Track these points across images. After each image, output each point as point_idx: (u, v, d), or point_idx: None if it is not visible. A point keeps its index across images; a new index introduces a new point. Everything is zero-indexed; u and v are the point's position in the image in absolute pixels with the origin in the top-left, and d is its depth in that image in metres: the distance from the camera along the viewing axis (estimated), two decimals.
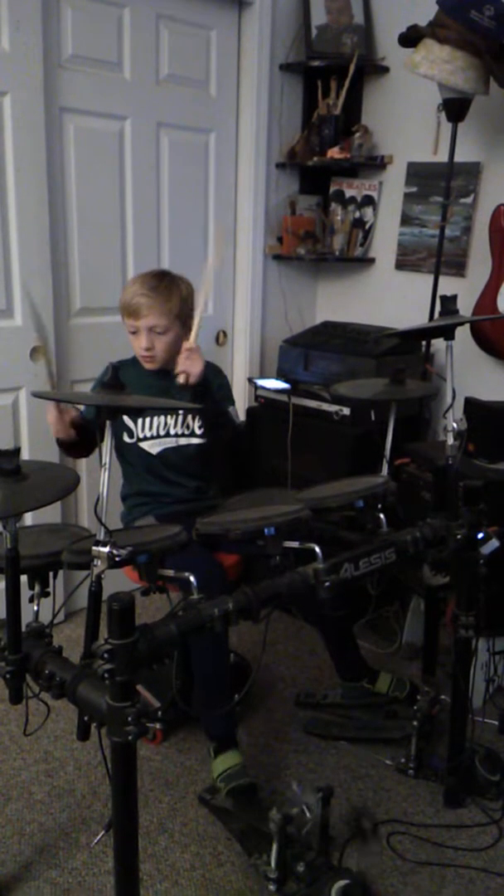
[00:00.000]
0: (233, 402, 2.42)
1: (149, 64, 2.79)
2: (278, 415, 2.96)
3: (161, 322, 2.20)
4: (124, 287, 2.28)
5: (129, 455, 2.33)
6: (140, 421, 2.29)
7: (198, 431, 2.32)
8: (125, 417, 2.28)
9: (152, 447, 2.31)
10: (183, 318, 2.26)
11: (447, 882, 1.83)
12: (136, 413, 2.28)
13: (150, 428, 2.30)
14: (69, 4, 2.52)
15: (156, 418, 2.30)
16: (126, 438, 2.30)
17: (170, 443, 2.30)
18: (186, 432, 2.32)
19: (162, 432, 2.30)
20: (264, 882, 1.70)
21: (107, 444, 1.34)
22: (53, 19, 2.49)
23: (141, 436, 2.30)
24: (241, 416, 3.04)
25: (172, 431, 2.31)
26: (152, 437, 2.30)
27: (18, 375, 2.60)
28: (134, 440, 2.30)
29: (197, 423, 2.32)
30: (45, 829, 1.96)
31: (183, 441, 2.30)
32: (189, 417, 2.32)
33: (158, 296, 2.19)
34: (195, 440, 2.32)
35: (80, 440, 2.22)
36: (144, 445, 2.30)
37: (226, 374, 2.49)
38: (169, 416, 2.30)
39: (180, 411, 2.32)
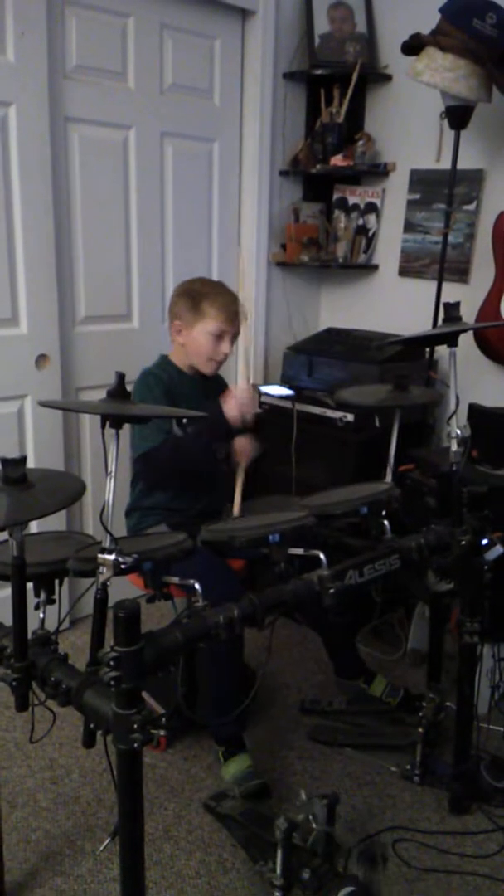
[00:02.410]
0: None
1: (153, 73, 2.80)
2: (282, 421, 2.96)
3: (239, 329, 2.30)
4: (204, 293, 2.28)
5: None
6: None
7: None
8: (176, 427, 2.27)
9: None
10: None
11: (453, 889, 1.83)
12: (188, 421, 2.29)
13: None
14: (74, 14, 2.54)
15: None
16: None
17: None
18: None
19: None
20: (270, 889, 1.69)
21: (112, 453, 1.35)
22: (58, 29, 2.50)
23: None
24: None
25: None
26: None
27: (24, 383, 2.61)
28: None
29: None
30: (50, 836, 1.97)
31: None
32: None
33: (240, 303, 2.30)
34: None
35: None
36: None
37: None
38: None
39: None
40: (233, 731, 2.13)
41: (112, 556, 1.32)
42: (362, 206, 3.32)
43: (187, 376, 2.34)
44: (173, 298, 2.34)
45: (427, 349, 3.01)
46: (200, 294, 2.28)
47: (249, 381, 2.27)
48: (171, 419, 2.22)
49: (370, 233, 3.31)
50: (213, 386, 2.43)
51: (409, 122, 3.13)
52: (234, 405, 2.18)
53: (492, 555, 1.89)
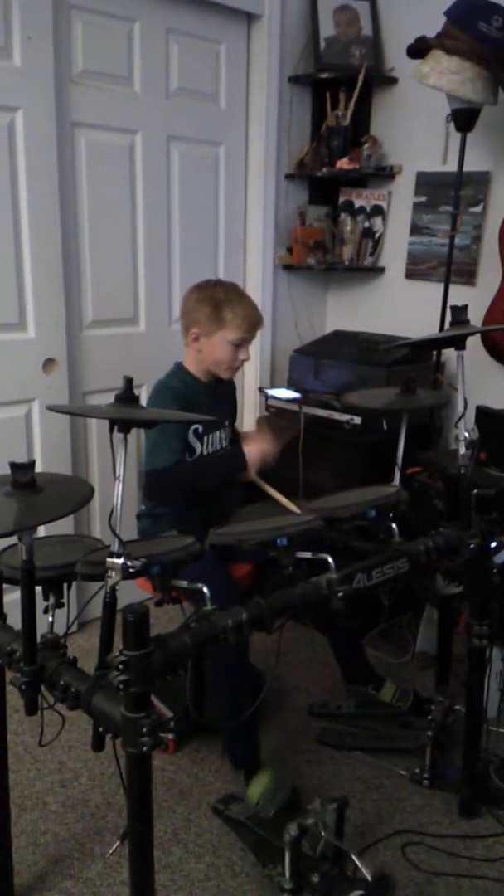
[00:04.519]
0: None
1: (159, 78, 2.81)
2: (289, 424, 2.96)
3: None
4: (226, 301, 2.21)
5: None
6: (206, 438, 2.29)
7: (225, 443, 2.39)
8: (192, 436, 2.25)
9: None
10: None
11: (463, 892, 1.82)
12: (203, 431, 2.28)
13: (213, 444, 2.31)
14: (80, 19, 2.55)
15: (218, 432, 2.32)
16: (187, 457, 2.28)
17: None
18: (227, 443, 2.38)
19: (219, 445, 2.33)
20: (279, 893, 1.69)
21: (120, 457, 1.35)
22: (64, 35, 2.51)
23: (206, 452, 2.29)
24: (253, 427, 3.07)
25: (225, 444, 2.35)
26: (214, 452, 2.33)
27: (32, 388, 2.62)
28: (196, 456, 2.29)
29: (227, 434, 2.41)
30: (59, 839, 1.97)
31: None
32: (228, 429, 2.40)
33: None
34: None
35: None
36: None
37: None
38: (222, 430, 2.34)
39: (226, 423, 2.37)
40: (247, 753, 2.09)
41: (120, 560, 1.32)
42: (368, 208, 3.32)
43: (203, 383, 2.31)
44: (190, 304, 2.25)
45: (434, 352, 3.01)
46: (221, 302, 2.20)
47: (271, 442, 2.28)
48: (185, 439, 2.20)
49: (376, 235, 3.31)
50: (227, 390, 2.44)
51: (414, 125, 3.13)
52: (258, 455, 2.20)
53: (500, 558, 1.89)
